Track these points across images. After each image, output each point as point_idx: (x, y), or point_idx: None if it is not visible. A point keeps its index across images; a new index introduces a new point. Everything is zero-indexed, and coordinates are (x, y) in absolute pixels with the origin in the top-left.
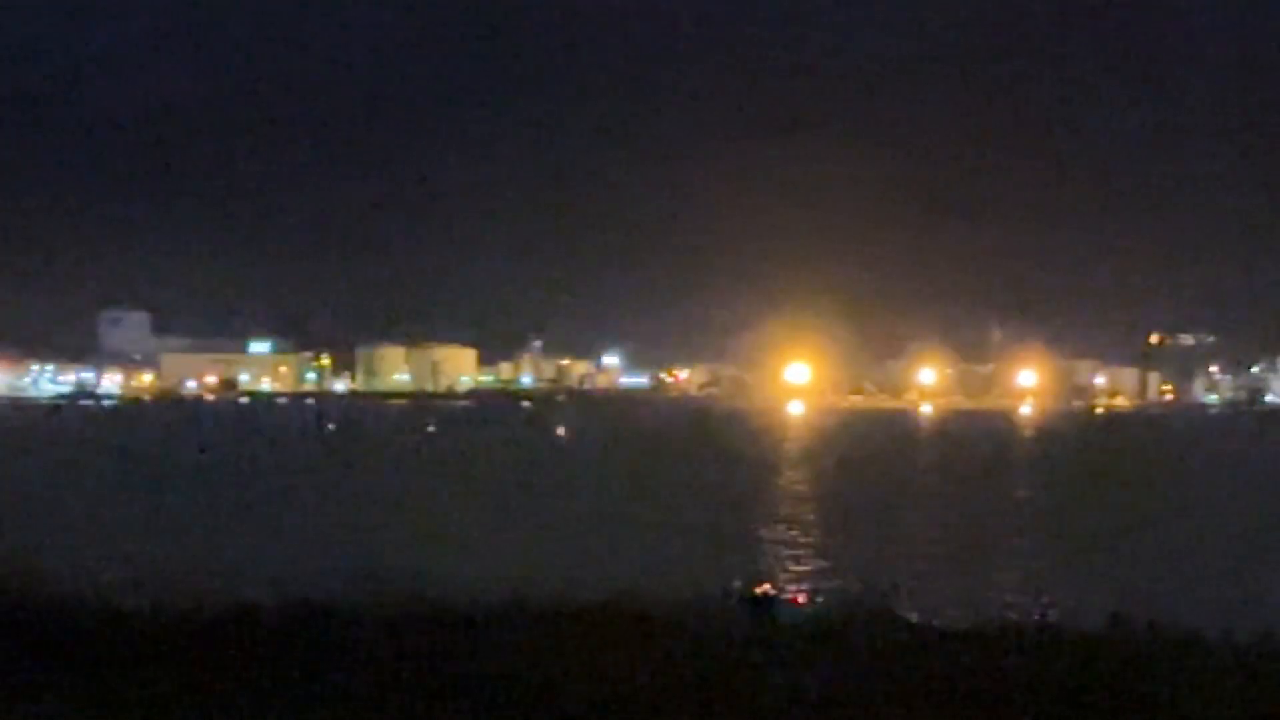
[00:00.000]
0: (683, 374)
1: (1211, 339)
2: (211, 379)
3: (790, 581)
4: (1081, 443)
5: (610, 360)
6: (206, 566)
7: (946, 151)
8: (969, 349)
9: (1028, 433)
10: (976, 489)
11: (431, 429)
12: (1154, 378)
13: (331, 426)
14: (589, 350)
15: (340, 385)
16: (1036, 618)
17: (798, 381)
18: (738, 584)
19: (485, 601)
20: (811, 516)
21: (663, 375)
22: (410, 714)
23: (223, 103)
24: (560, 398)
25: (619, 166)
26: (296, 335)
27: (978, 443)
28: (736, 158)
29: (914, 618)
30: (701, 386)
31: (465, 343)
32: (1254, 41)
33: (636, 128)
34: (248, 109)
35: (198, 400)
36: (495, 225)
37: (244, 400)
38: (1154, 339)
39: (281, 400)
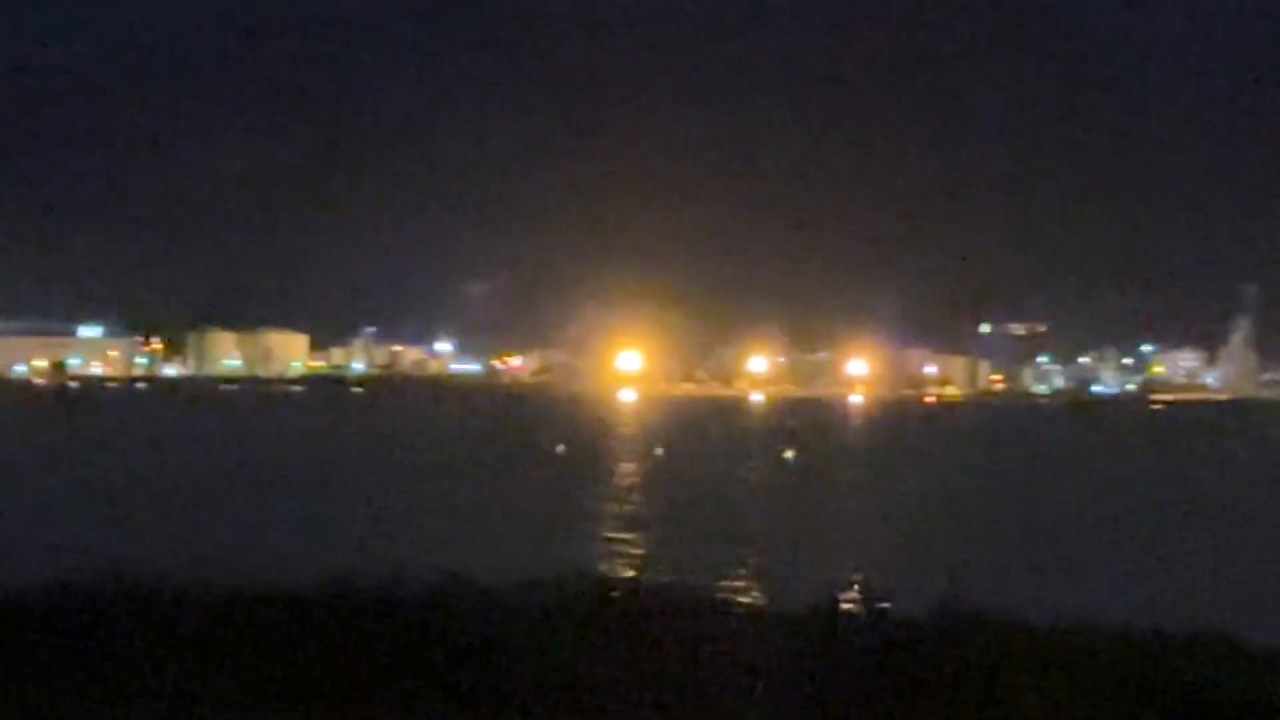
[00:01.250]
0: (515, 361)
1: (1041, 329)
2: (40, 363)
3: (613, 572)
4: (907, 430)
5: (443, 347)
6: None
7: (778, 139)
8: (801, 337)
9: (856, 420)
10: (809, 476)
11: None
12: (984, 367)
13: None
14: (421, 336)
15: (171, 370)
16: (862, 603)
17: (630, 369)
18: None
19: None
20: (637, 507)
21: (495, 362)
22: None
23: (46, 77)
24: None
25: (450, 151)
26: (128, 319)
27: (809, 430)
28: (567, 145)
29: (741, 603)
30: (534, 373)
31: (297, 328)
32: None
33: (471, 111)
34: (72, 85)
35: (27, 384)
36: (327, 210)
37: (73, 385)
38: (984, 328)
39: (111, 385)
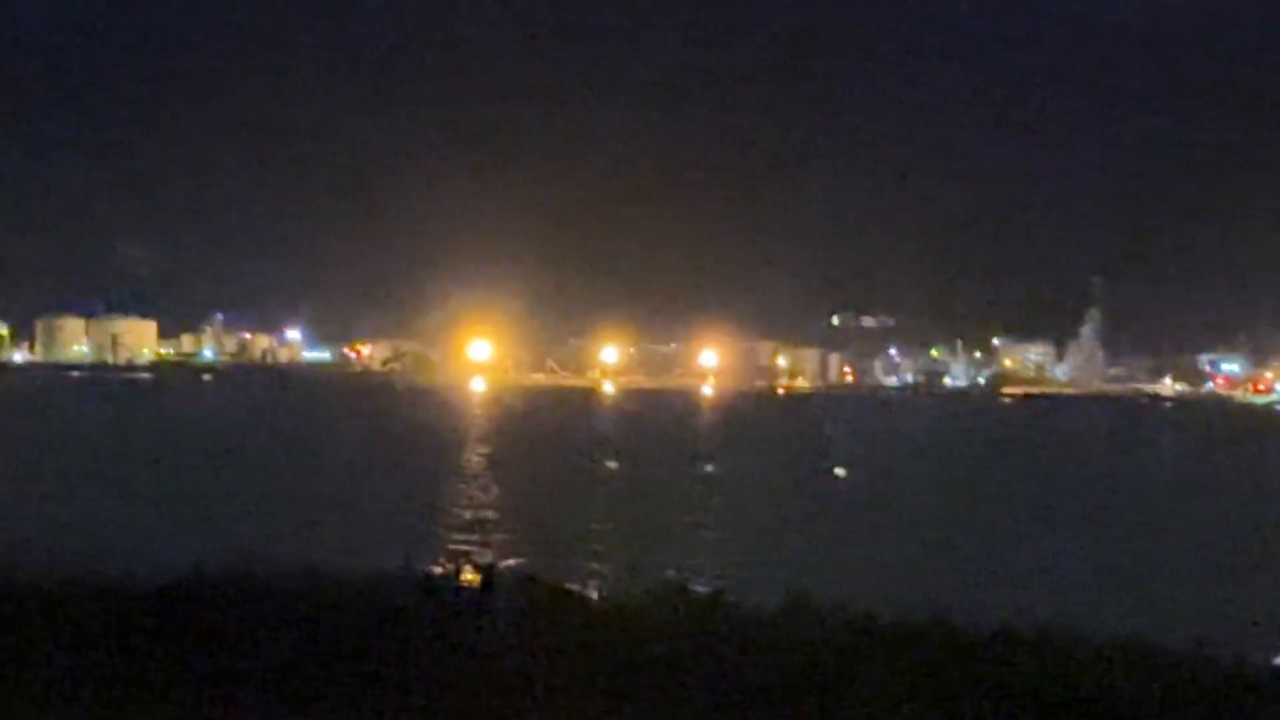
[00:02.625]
0: (366, 349)
1: (892, 321)
2: None
3: (465, 559)
4: (758, 421)
5: (293, 334)
6: None
7: (628, 130)
8: (653, 328)
9: (707, 411)
10: (662, 467)
11: None
12: (835, 359)
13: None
14: (272, 324)
15: (19, 356)
16: (710, 593)
17: (480, 359)
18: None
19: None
20: (483, 496)
21: (346, 350)
22: None
23: None
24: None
25: (304, 134)
26: None
27: (658, 421)
28: (417, 134)
29: (594, 595)
30: (384, 362)
31: (145, 315)
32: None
33: (324, 95)
34: None
35: None
36: (178, 194)
37: None
38: (835, 321)
39: None
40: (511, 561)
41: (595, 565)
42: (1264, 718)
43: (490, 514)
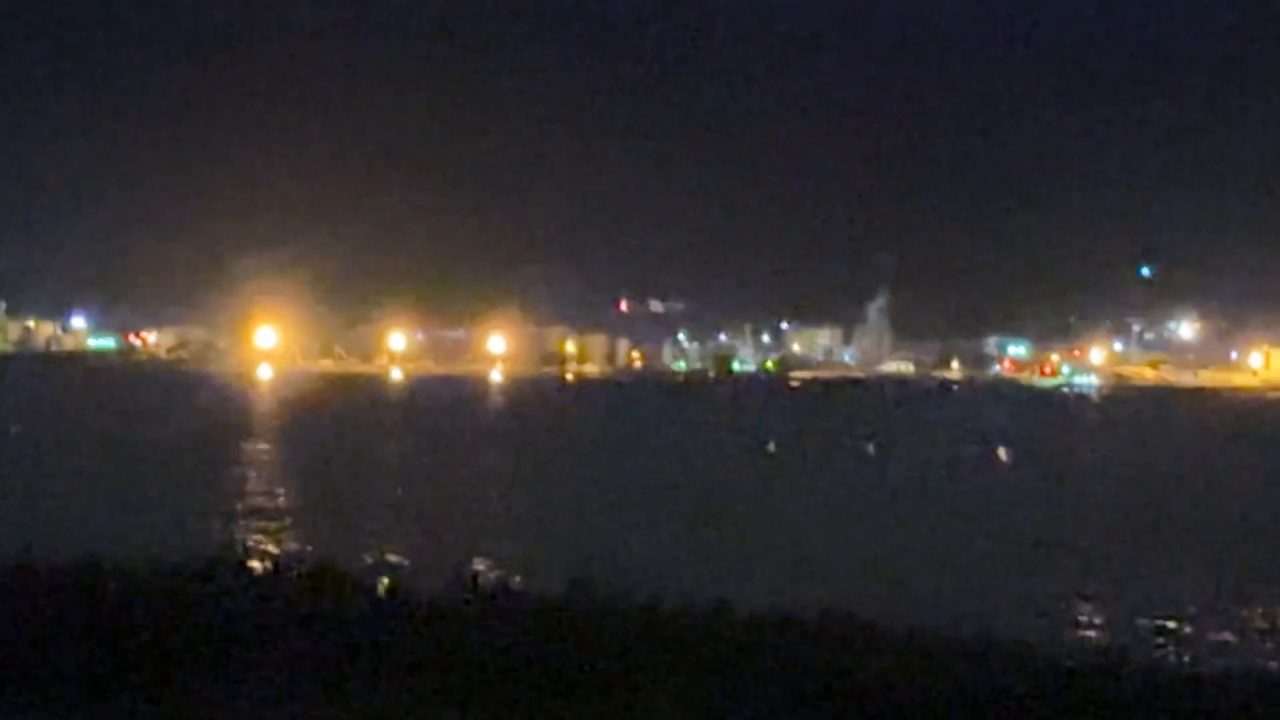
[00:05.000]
0: (151, 337)
1: (680, 306)
2: None
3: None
4: (547, 408)
5: (77, 321)
6: None
7: (417, 116)
8: (441, 314)
9: (495, 398)
10: (448, 456)
11: None
12: (623, 344)
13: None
14: (56, 310)
15: None
16: (494, 580)
17: (267, 346)
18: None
19: None
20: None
21: (131, 338)
22: None
23: None
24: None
25: (96, 121)
26: None
27: (448, 409)
28: (213, 121)
29: (381, 584)
30: (170, 350)
31: None
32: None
33: (109, 80)
34: None
35: None
36: None
37: None
38: (623, 306)
39: None
40: (299, 550)
41: (387, 556)
42: (1044, 709)
43: (276, 503)
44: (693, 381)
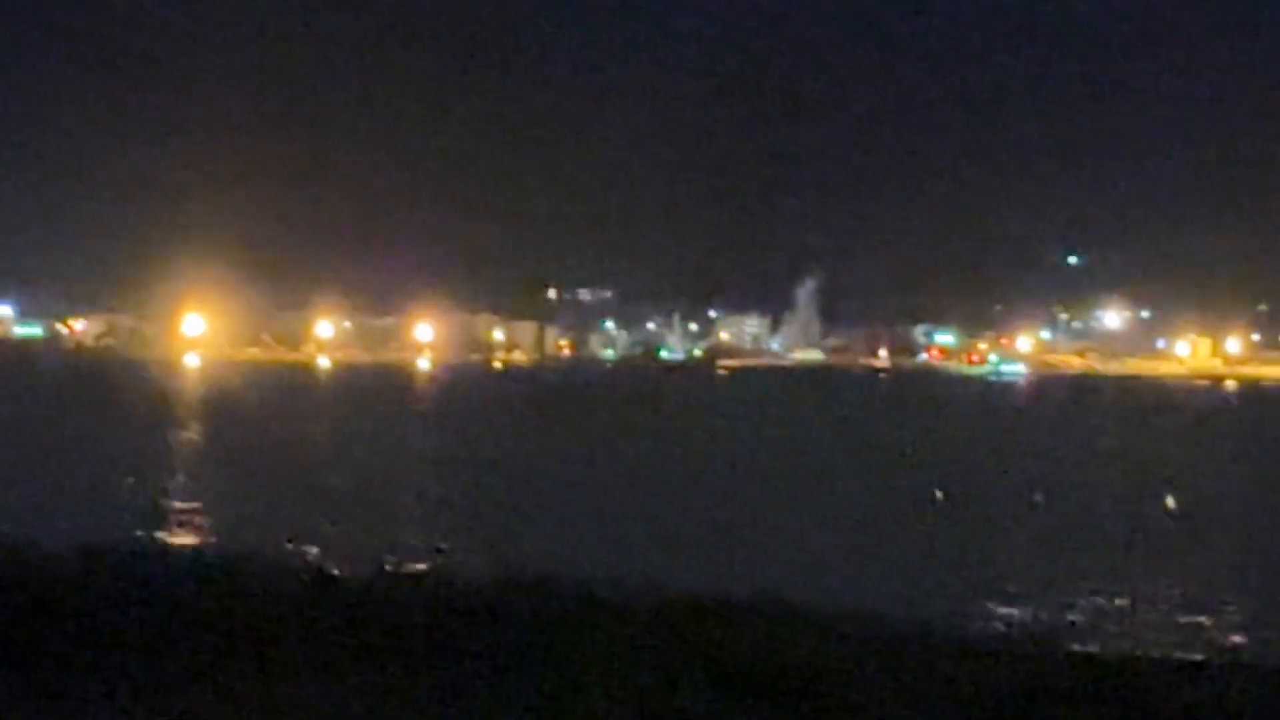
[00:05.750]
0: (79, 324)
1: (608, 294)
2: None
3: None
4: (481, 395)
5: (3, 310)
6: None
7: (338, 103)
8: (368, 302)
9: (423, 385)
10: (380, 442)
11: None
12: (552, 332)
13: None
14: None
15: None
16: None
17: (195, 333)
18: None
19: None
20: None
21: (58, 325)
22: None
23: None
24: None
25: (11, 99)
26: None
27: (377, 396)
28: (139, 108)
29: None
30: (98, 337)
31: None
32: None
33: (49, 66)
34: None
35: None
36: None
37: None
38: (551, 294)
39: None
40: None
41: (310, 542)
42: (969, 692)
43: (191, 488)
44: (632, 370)
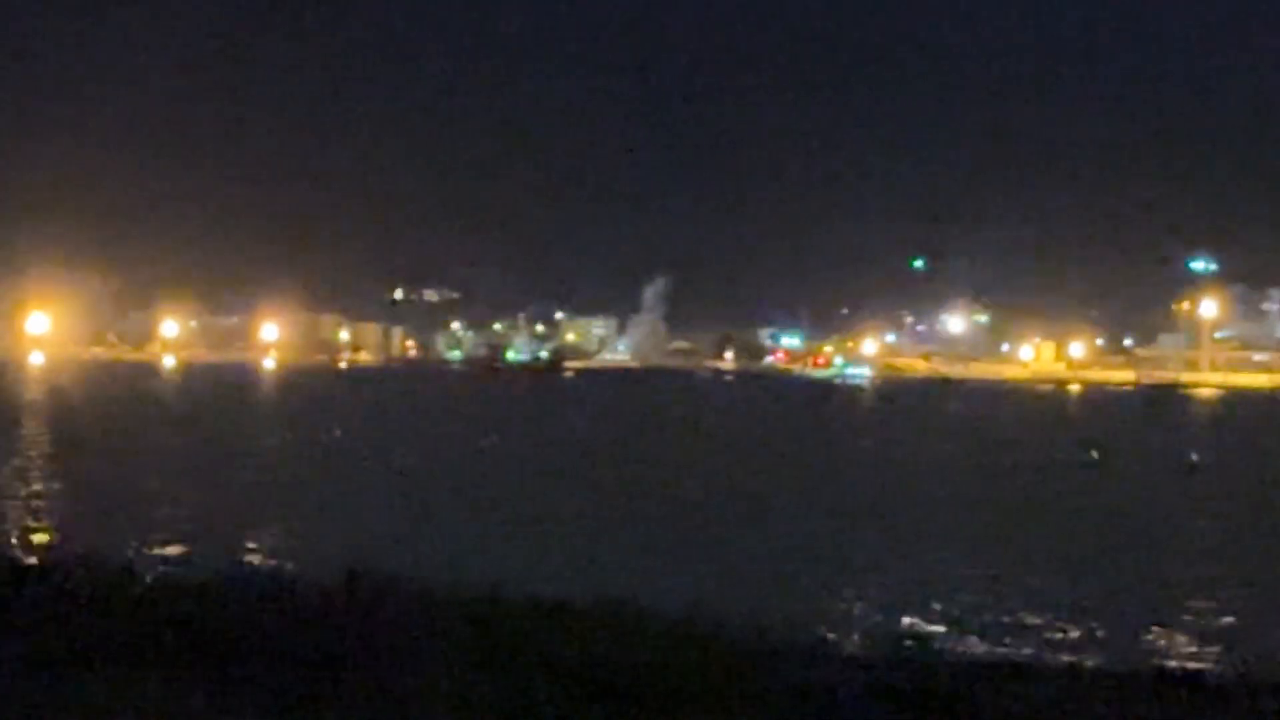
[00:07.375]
0: None
1: (455, 295)
2: None
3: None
4: (323, 396)
5: None
6: None
7: (201, 108)
8: (215, 301)
9: (266, 386)
10: (220, 442)
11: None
12: (398, 333)
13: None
14: None
15: None
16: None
17: (39, 332)
18: None
19: None
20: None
21: None
22: None
23: None
24: None
25: None
26: None
27: (219, 397)
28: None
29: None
30: None
31: None
32: None
33: None
34: None
35: None
36: None
37: None
38: (398, 294)
39: None
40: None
41: (155, 546)
42: (822, 698)
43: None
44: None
